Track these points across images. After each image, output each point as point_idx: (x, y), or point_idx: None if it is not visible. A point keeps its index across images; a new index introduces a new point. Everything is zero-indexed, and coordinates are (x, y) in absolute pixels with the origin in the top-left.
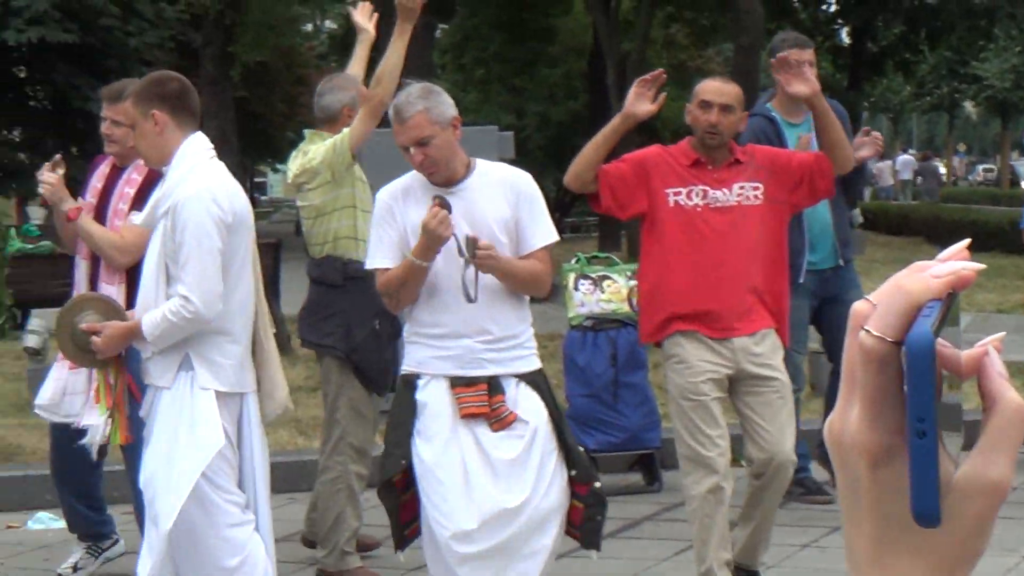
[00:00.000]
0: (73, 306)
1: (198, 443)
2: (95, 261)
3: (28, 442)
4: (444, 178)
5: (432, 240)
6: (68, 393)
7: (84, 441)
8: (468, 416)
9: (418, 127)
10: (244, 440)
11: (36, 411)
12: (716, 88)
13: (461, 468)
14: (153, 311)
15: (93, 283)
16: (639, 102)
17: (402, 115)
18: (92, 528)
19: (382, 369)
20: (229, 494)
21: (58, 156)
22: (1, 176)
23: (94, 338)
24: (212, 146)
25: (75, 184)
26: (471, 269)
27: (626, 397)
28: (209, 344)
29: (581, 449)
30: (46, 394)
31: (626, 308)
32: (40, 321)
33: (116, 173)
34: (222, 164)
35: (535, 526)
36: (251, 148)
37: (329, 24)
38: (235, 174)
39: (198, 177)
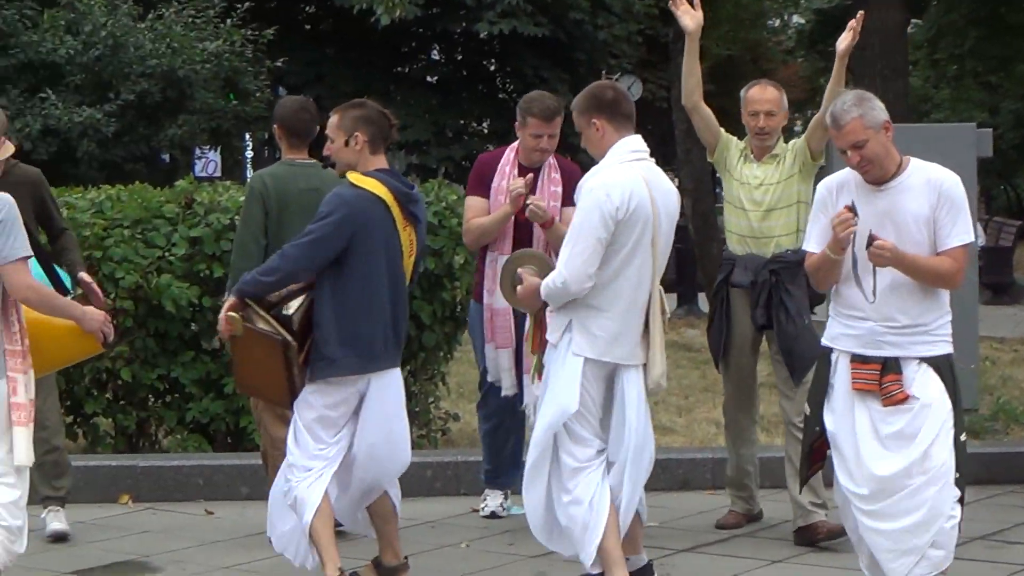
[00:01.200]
0: (518, 257)
1: (556, 400)
2: None
3: None
4: (876, 177)
5: (835, 239)
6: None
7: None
8: (859, 390)
9: (853, 132)
10: (616, 406)
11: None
12: None
13: (854, 438)
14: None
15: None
16: None
17: (839, 122)
18: (508, 479)
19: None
20: (581, 443)
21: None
22: (468, 166)
23: (519, 287)
24: (641, 148)
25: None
26: (868, 266)
27: None
28: (588, 316)
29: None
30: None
31: None
32: None
33: (524, 173)
34: (644, 164)
35: (917, 494)
36: None
37: (796, 19)
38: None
39: (606, 173)
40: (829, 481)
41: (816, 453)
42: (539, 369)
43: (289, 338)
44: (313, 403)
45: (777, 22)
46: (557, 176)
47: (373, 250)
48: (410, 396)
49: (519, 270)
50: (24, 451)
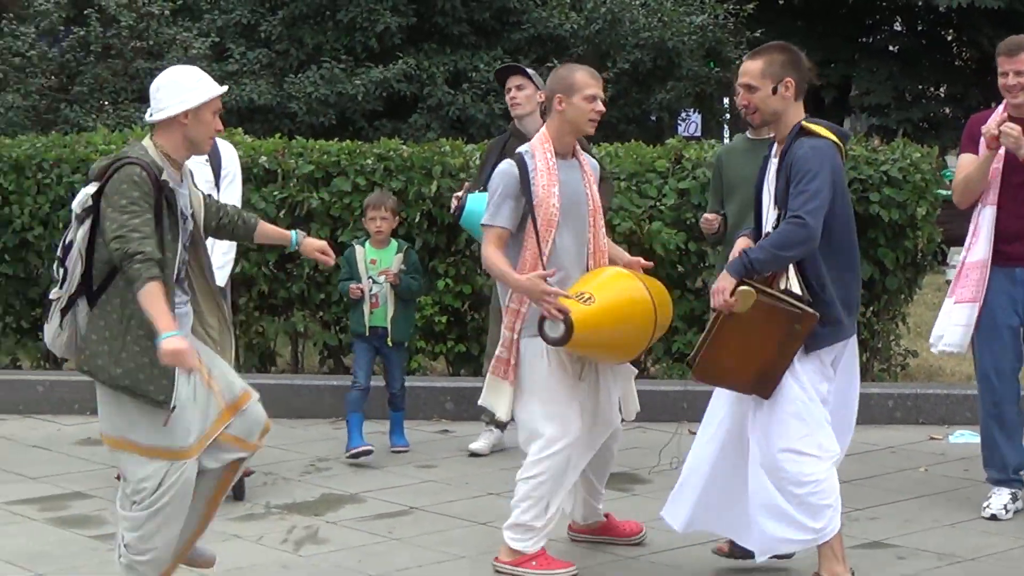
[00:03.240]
0: None
1: None
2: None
3: (947, 365)
4: None
5: None
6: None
7: None
8: None
9: None
10: None
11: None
12: None
13: None
14: None
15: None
16: None
17: None
18: (1016, 479)
19: None
20: None
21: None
22: (926, 127)
23: None
24: None
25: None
26: None
27: None
28: None
29: None
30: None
31: None
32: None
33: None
34: None
35: None
36: None
37: None
38: None
39: None
40: None
41: None
42: None
43: (812, 310)
44: (810, 380)
45: None
46: None
47: (845, 203)
48: (872, 334)
49: None
50: (483, 393)
